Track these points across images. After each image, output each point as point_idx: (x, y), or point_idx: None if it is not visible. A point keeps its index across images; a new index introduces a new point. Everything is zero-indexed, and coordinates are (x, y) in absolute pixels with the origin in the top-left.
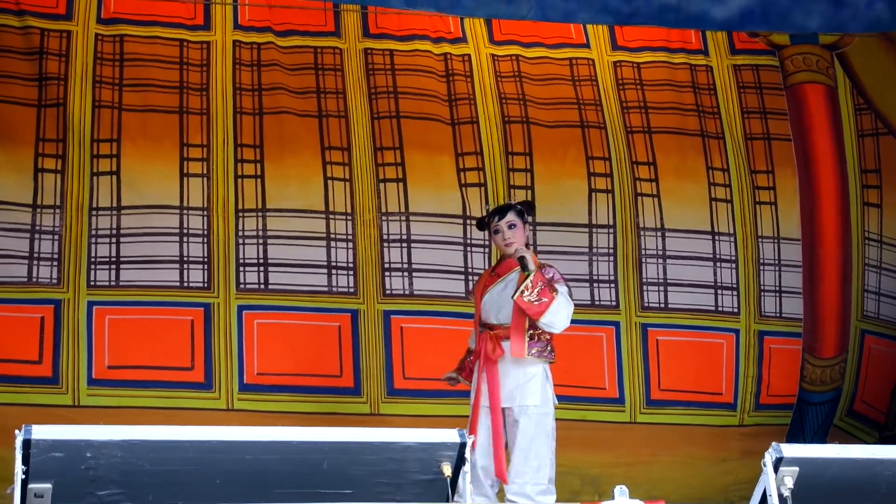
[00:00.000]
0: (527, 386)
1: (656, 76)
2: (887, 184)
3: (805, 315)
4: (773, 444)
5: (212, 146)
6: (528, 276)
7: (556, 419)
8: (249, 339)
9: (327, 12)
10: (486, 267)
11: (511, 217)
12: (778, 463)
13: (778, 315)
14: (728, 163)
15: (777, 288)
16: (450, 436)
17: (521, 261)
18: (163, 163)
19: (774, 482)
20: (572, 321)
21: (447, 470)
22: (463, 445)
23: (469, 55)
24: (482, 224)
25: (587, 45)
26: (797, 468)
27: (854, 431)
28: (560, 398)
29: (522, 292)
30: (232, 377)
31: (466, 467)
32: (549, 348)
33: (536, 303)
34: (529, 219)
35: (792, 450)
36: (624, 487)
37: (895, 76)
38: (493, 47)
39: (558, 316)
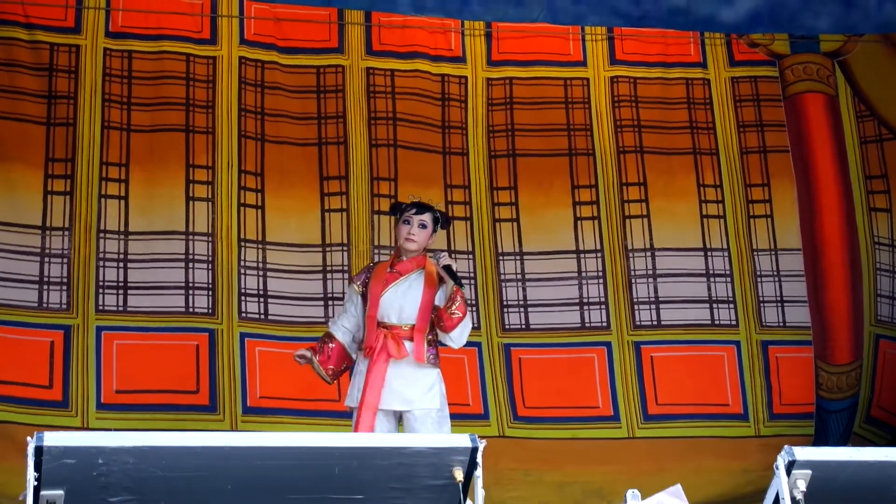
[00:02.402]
0: (427, 389)
1: (651, 93)
2: None
3: (813, 323)
4: (786, 446)
5: (217, 168)
6: (460, 287)
7: (548, 439)
8: (252, 364)
9: (331, 27)
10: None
11: (426, 217)
12: (790, 466)
13: (782, 324)
14: (721, 178)
15: (778, 298)
16: (461, 440)
17: (449, 270)
18: (169, 185)
19: (787, 485)
20: (562, 344)
21: (459, 475)
22: (475, 450)
23: (466, 77)
24: (396, 208)
25: (584, 63)
26: (810, 471)
27: (873, 438)
28: (551, 420)
29: (448, 305)
30: (236, 400)
31: (478, 472)
32: (436, 354)
33: (454, 316)
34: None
35: (804, 453)
36: (636, 491)
37: None
38: (490, 70)
39: (464, 333)
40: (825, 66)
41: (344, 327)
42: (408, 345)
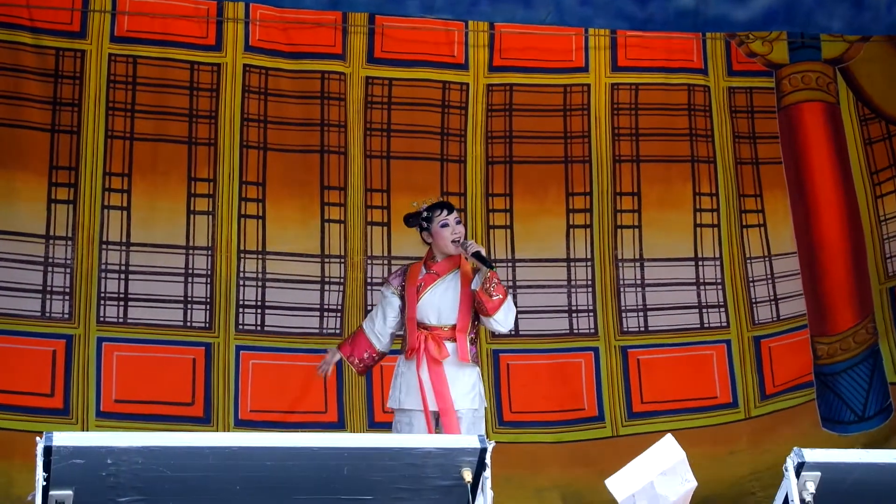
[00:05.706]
0: (469, 390)
1: (652, 99)
2: None
3: (809, 311)
4: (795, 449)
5: (218, 181)
6: (493, 270)
7: (532, 443)
8: (245, 378)
9: (337, 33)
10: None
11: (458, 214)
12: (800, 468)
13: (775, 319)
14: (717, 187)
15: (772, 297)
16: (470, 441)
17: (479, 255)
18: (170, 198)
19: (796, 487)
20: (549, 350)
21: (467, 476)
22: (483, 451)
23: (468, 84)
24: (418, 216)
25: (586, 69)
26: (819, 473)
27: None
28: (536, 423)
29: (486, 286)
30: (228, 413)
31: (487, 473)
32: (477, 353)
33: (495, 297)
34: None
35: (814, 455)
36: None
37: None
38: (491, 76)
39: (509, 315)
40: (825, 74)
41: (371, 321)
42: (449, 345)
